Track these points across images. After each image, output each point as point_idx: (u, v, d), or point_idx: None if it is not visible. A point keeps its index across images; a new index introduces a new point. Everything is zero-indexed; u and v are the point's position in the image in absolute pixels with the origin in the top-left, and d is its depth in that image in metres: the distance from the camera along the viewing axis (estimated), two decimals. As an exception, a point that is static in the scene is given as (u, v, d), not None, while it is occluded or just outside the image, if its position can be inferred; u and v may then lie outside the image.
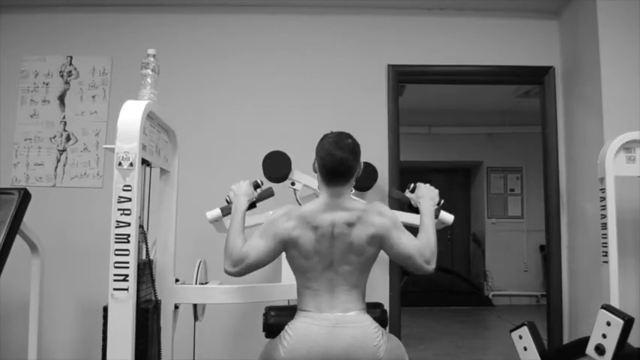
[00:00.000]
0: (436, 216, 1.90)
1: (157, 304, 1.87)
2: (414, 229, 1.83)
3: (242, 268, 1.67)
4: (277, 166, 2.56)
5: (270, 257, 1.69)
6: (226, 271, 1.68)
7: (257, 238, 1.68)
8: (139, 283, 1.66)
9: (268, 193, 2.01)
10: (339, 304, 1.66)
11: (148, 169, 1.87)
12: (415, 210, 1.93)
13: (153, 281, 1.85)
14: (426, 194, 1.89)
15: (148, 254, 1.85)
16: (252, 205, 1.93)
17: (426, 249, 1.70)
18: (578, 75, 3.02)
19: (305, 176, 2.59)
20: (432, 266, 1.70)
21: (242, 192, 1.88)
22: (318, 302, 1.67)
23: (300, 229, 1.66)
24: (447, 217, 2.06)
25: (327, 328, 1.61)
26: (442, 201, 1.95)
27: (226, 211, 1.99)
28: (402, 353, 1.76)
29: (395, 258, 1.74)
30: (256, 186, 1.96)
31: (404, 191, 2.01)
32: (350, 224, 1.66)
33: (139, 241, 1.68)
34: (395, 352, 1.70)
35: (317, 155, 1.72)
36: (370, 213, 1.69)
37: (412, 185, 1.95)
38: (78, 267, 2.98)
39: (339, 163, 1.66)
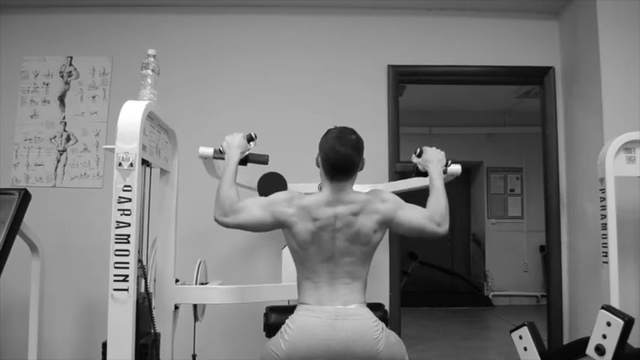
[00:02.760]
0: (444, 172, 1.92)
1: (157, 338, 1.85)
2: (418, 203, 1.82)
3: (232, 222, 1.70)
4: (273, 189, 2.53)
5: (260, 228, 1.73)
6: (216, 219, 1.72)
7: (255, 206, 1.71)
8: (138, 318, 1.61)
9: (262, 159, 1.97)
10: (339, 297, 1.67)
11: (148, 169, 1.87)
12: (423, 174, 1.95)
13: (152, 316, 1.83)
14: (433, 157, 1.91)
15: (147, 288, 1.83)
16: (243, 162, 1.90)
17: (435, 212, 1.74)
18: (578, 75, 3.02)
19: (302, 185, 2.56)
20: (444, 228, 1.74)
21: (235, 144, 1.87)
22: (319, 295, 1.68)
23: (297, 217, 1.67)
24: (456, 169, 2.04)
25: (328, 320, 1.62)
26: (449, 161, 1.96)
27: (217, 155, 1.95)
28: (402, 350, 1.76)
29: (407, 234, 1.78)
30: (250, 139, 1.93)
31: (410, 159, 2.01)
32: (355, 214, 1.67)
33: (138, 276, 1.66)
34: (394, 347, 1.70)
35: (320, 150, 1.73)
36: (373, 202, 1.71)
37: (418, 150, 1.96)
38: (78, 267, 2.98)
39: (343, 159, 1.67)
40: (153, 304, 1.87)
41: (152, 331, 1.83)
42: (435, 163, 1.89)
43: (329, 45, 3.23)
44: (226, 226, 1.72)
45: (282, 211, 1.68)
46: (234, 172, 1.80)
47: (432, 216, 1.74)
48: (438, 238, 1.79)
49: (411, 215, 1.73)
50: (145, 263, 1.79)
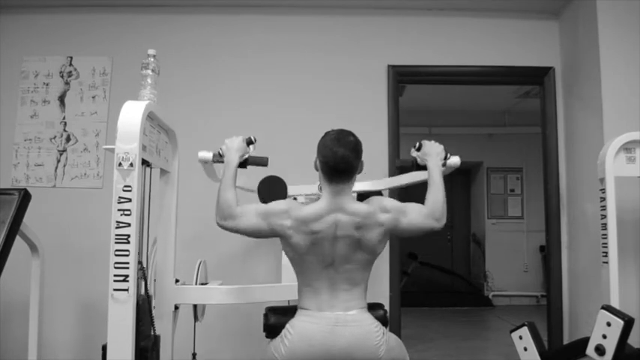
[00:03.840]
0: (443, 165, 1.91)
1: (157, 341, 1.84)
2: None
3: (230, 226, 1.71)
4: (273, 193, 2.52)
5: (257, 235, 1.73)
6: (217, 223, 1.73)
7: (253, 213, 1.70)
8: (138, 320, 1.61)
9: (261, 161, 1.97)
10: (339, 303, 1.66)
11: (148, 169, 1.87)
12: (422, 168, 1.94)
13: (152, 318, 1.82)
14: (432, 151, 1.90)
15: (147, 290, 1.82)
16: (242, 164, 1.90)
17: (435, 207, 1.75)
18: (578, 75, 3.02)
19: (302, 187, 2.56)
20: (442, 222, 1.76)
21: (235, 147, 1.86)
22: (319, 301, 1.67)
23: (294, 230, 1.65)
24: (455, 161, 2.02)
25: (328, 326, 1.61)
26: (448, 154, 1.95)
27: (216, 158, 1.95)
28: (403, 352, 1.76)
29: (410, 236, 1.79)
30: (249, 142, 1.92)
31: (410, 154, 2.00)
32: (358, 227, 1.65)
33: (138, 278, 1.65)
34: (395, 351, 1.70)
35: (318, 153, 1.71)
36: (374, 213, 1.68)
37: (417, 144, 1.95)
38: (78, 267, 2.98)
39: (341, 160, 1.65)
40: (153, 306, 1.87)
41: (152, 333, 1.82)
42: (434, 157, 1.88)
43: (329, 45, 3.23)
44: (225, 229, 1.73)
45: (279, 224, 1.67)
46: (233, 176, 1.79)
47: (432, 212, 1.74)
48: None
49: (412, 219, 1.72)
50: (144, 265, 1.79)
